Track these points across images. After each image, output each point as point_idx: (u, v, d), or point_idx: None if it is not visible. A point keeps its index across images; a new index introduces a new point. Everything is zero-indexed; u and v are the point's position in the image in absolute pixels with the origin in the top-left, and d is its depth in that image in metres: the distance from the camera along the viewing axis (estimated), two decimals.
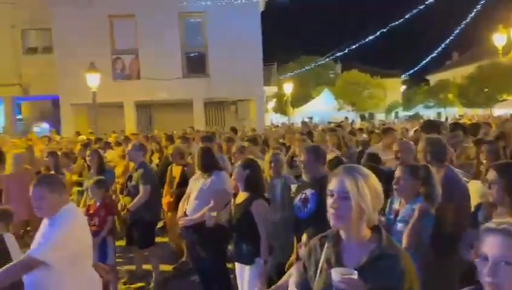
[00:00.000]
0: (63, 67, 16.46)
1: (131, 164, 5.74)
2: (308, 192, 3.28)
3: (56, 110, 18.04)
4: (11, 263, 2.58)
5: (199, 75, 17.54)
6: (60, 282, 2.57)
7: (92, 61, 14.10)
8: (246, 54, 16.68)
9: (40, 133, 15.82)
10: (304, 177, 3.44)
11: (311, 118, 27.66)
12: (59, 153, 7.19)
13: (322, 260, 1.69)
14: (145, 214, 5.21)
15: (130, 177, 5.43)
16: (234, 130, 11.03)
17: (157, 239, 6.42)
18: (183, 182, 5.54)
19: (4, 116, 19.21)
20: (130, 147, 5.58)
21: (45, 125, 20.22)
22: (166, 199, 6.00)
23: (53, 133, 15.99)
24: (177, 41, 17.33)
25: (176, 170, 5.94)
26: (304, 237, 3.03)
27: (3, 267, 2.51)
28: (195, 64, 17.80)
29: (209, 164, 4.54)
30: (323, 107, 30.63)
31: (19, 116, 20.67)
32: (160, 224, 6.79)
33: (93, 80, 13.96)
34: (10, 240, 3.65)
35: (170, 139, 8.79)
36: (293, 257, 3.41)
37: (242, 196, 3.75)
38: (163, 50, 16.68)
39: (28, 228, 6.16)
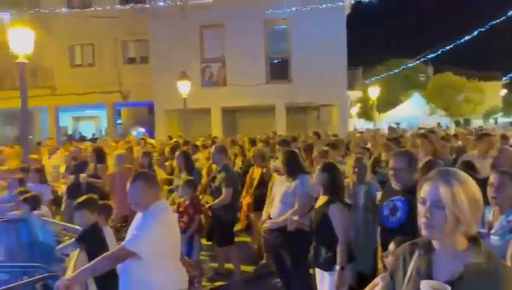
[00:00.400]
0: (158, 76, 17.81)
1: (214, 166, 6.00)
2: (397, 200, 3.15)
3: (151, 116, 19.51)
4: (106, 253, 2.85)
5: (282, 80, 17.74)
6: (150, 273, 2.73)
7: (183, 70, 15.08)
8: (330, 58, 16.51)
9: (137, 137, 17.23)
10: (393, 184, 3.29)
11: (398, 124, 26.37)
12: (153, 153, 7.78)
13: (411, 268, 1.58)
14: (225, 214, 5.41)
15: (213, 178, 5.68)
16: (317, 134, 10.98)
17: (240, 239, 6.61)
18: (263, 184, 5.65)
19: (106, 121, 21.29)
20: (213, 149, 5.82)
21: (141, 130, 21.98)
22: (246, 200, 6.19)
23: (146, 136, 17.31)
24: (262, 48, 17.74)
25: (256, 172, 6.09)
26: (391, 247, 2.91)
27: (99, 257, 2.77)
28: (278, 70, 18.04)
29: (294, 168, 4.54)
30: (412, 112, 29.00)
31: (119, 121, 22.67)
32: (241, 225, 6.97)
33: (184, 87, 14.96)
34: (108, 233, 4.04)
35: (253, 143, 9.01)
36: (379, 266, 3.29)
37: (321, 200, 3.72)
38: (248, 57, 17.18)
39: (124, 224, 6.70)
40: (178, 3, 16.46)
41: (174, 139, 13.57)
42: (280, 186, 4.67)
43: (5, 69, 19.04)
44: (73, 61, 20.87)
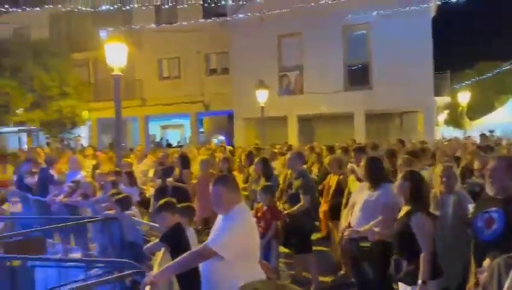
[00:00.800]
0: (237, 85, 18.36)
1: (290, 172, 5.98)
2: (494, 211, 2.90)
3: (231, 124, 20.16)
4: (189, 251, 2.96)
5: (361, 87, 17.25)
6: (232, 274, 2.76)
7: (261, 79, 15.38)
8: (415, 63, 15.71)
9: (217, 144, 17.89)
10: (488, 190, 3.04)
11: (492, 131, 24.13)
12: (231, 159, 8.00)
13: (508, 283, 1.44)
14: (303, 221, 5.35)
15: (289, 185, 5.66)
16: (401, 142, 10.48)
17: (317, 248, 6.49)
18: (339, 192, 5.50)
19: (190, 130, 22.42)
20: (289, 155, 5.81)
21: (221, 137, 22.79)
22: (322, 208, 6.08)
23: (224, 143, 17.90)
24: (340, 55, 17.45)
25: (333, 179, 5.97)
26: (486, 262, 2.67)
27: (182, 255, 2.89)
28: (358, 77, 17.58)
29: (377, 175, 4.36)
30: (508, 118, 26.36)
31: (201, 130, 23.75)
32: (321, 234, 6.85)
33: (262, 95, 15.24)
34: (191, 233, 4.21)
35: (331, 150, 8.85)
36: (470, 283, 3.03)
37: (403, 210, 3.53)
38: (326, 64, 17.01)
39: (206, 226, 6.95)
40: (257, 14, 16.85)
41: (251, 146, 13.85)
42: (359, 193, 4.51)
43: (102, 82, 21.04)
44: (161, 74, 22.36)
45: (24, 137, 22.37)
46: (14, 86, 16.85)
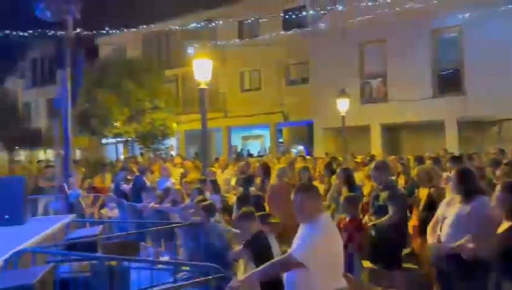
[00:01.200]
0: (317, 95, 18.23)
1: (375, 184, 5.74)
2: None
3: (310, 134, 20.05)
4: (273, 260, 2.99)
5: (452, 93, 16.11)
6: (314, 285, 2.74)
7: (342, 88, 15.09)
8: None
9: (296, 154, 17.87)
10: None
11: None
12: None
13: None
14: (392, 234, 5.08)
15: (376, 197, 5.44)
16: (502, 151, 9.57)
17: (405, 265, 6.15)
18: (430, 206, 5.16)
19: (270, 140, 22.74)
20: (373, 165, 5.59)
21: (301, 148, 22.74)
22: (412, 222, 5.74)
23: (304, 153, 17.81)
24: (428, 60, 16.51)
25: (423, 192, 5.62)
26: None
27: (266, 263, 2.91)
28: (448, 82, 16.44)
29: (469, 188, 4.04)
30: None
31: (280, 140, 23.95)
32: (408, 250, 6.48)
33: (343, 104, 14.95)
34: (273, 241, 4.25)
35: (419, 161, 8.36)
36: None
37: (504, 225, 3.22)
38: (412, 70, 16.20)
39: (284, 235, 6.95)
40: (338, 22, 16.65)
41: (330, 156, 13.61)
42: (447, 207, 4.19)
43: (189, 96, 22.33)
44: (242, 86, 23.08)
45: (121, 147, 24.44)
46: (113, 101, 18.58)
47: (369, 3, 16.17)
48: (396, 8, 15.29)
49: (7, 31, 15.63)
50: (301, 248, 2.80)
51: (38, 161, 19.19)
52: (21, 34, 16.03)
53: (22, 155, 29.34)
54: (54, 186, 8.40)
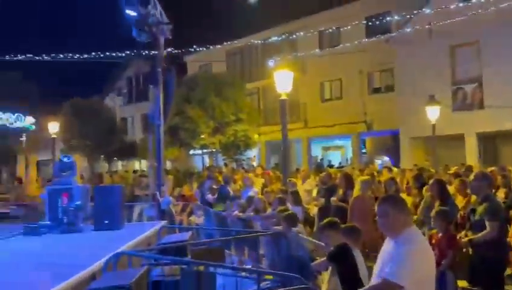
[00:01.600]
0: (403, 103, 17.37)
1: (473, 197, 5.30)
2: None
3: (395, 144, 19.11)
4: (372, 285, 2.78)
5: None
6: None
7: (431, 94, 14.21)
8: None
9: (381, 166, 17.14)
10: None
11: None
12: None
13: None
14: (492, 251, 4.62)
15: (472, 210, 5.01)
16: None
17: (509, 287, 5.57)
18: None
19: (351, 150, 22.11)
20: (472, 177, 5.16)
21: (385, 158, 21.74)
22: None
23: (390, 164, 16.98)
24: None
25: None
26: None
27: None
28: None
29: None
30: None
31: (363, 150, 23.18)
32: (510, 271, 5.85)
33: (432, 112, 14.07)
34: (358, 255, 4.10)
35: None
36: None
37: None
38: (511, 73, 14.73)
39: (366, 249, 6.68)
40: (426, 26, 15.76)
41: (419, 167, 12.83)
42: None
43: (270, 108, 22.69)
44: (323, 96, 22.84)
45: (206, 158, 25.56)
46: (200, 114, 19.59)
47: (460, 4, 15.11)
48: (492, 8, 14.06)
49: (107, 53, 17.29)
50: (397, 269, 2.59)
51: (134, 171, 20.89)
52: (119, 54, 17.61)
53: (119, 166, 32.11)
54: (147, 195, 9.06)
